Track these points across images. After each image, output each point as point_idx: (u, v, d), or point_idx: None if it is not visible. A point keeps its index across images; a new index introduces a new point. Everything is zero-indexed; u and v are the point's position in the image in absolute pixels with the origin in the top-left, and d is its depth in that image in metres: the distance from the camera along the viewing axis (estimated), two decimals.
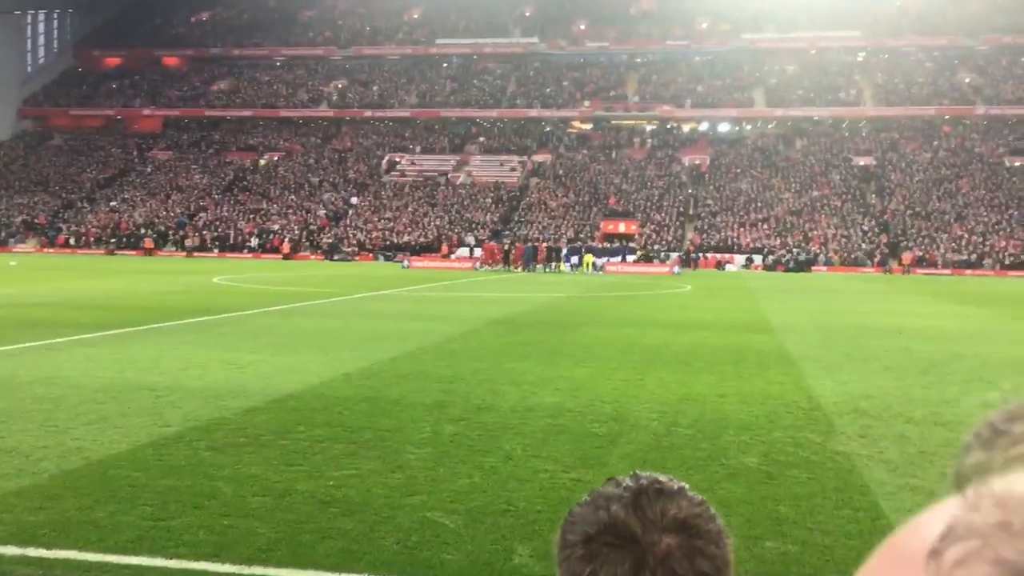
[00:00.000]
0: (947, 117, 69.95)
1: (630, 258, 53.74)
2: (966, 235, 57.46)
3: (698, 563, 0.86)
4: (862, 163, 66.90)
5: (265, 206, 66.57)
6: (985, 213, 59.49)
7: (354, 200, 66.62)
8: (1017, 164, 64.52)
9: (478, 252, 54.86)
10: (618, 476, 0.92)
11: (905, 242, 57.20)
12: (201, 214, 65.99)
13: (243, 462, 6.85)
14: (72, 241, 62.85)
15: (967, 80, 72.07)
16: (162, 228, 63.88)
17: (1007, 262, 54.39)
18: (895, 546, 0.41)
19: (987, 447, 0.38)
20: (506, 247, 52.18)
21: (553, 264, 50.95)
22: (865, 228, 59.45)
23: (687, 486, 0.93)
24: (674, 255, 53.74)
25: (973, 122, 69.81)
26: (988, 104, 69.14)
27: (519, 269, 48.93)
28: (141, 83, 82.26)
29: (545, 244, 53.92)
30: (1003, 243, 56.34)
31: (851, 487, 6.54)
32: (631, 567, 0.85)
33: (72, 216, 67.00)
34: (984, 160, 65.41)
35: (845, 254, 56.53)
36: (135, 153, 76.14)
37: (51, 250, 60.71)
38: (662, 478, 0.92)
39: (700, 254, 56.11)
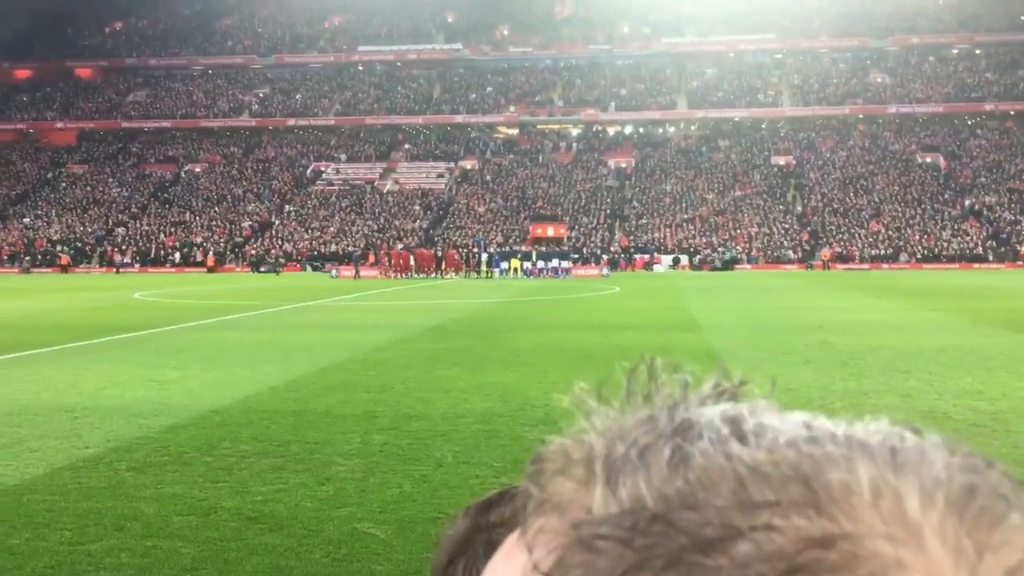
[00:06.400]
0: (861, 116, 72.13)
1: (564, 263, 48.25)
2: (883, 230, 59.29)
3: None
4: (781, 162, 68.56)
5: (187, 218, 65.24)
6: (899, 208, 61.47)
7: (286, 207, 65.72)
8: (928, 160, 66.84)
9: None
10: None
11: (825, 238, 58.76)
12: (120, 228, 64.37)
13: (166, 481, 6.69)
14: None
15: (879, 80, 74.44)
16: (79, 244, 62.11)
17: (921, 255, 56.28)
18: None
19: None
20: (437, 253, 51.61)
21: (482, 269, 50.50)
22: (786, 226, 60.90)
23: None
24: (604, 257, 53.86)
25: (886, 120, 72.12)
26: (899, 103, 71.51)
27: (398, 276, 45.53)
28: (53, 95, 79.92)
29: (430, 250, 52.16)
30: (917, 237, 58.28)
31: None
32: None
33: None
34: (897, 157, 67.61)
35: (768, 252, 57.81)
36: (49, 167, 73.90)
37: None
38: None
39: (628, 255, 56.65)
